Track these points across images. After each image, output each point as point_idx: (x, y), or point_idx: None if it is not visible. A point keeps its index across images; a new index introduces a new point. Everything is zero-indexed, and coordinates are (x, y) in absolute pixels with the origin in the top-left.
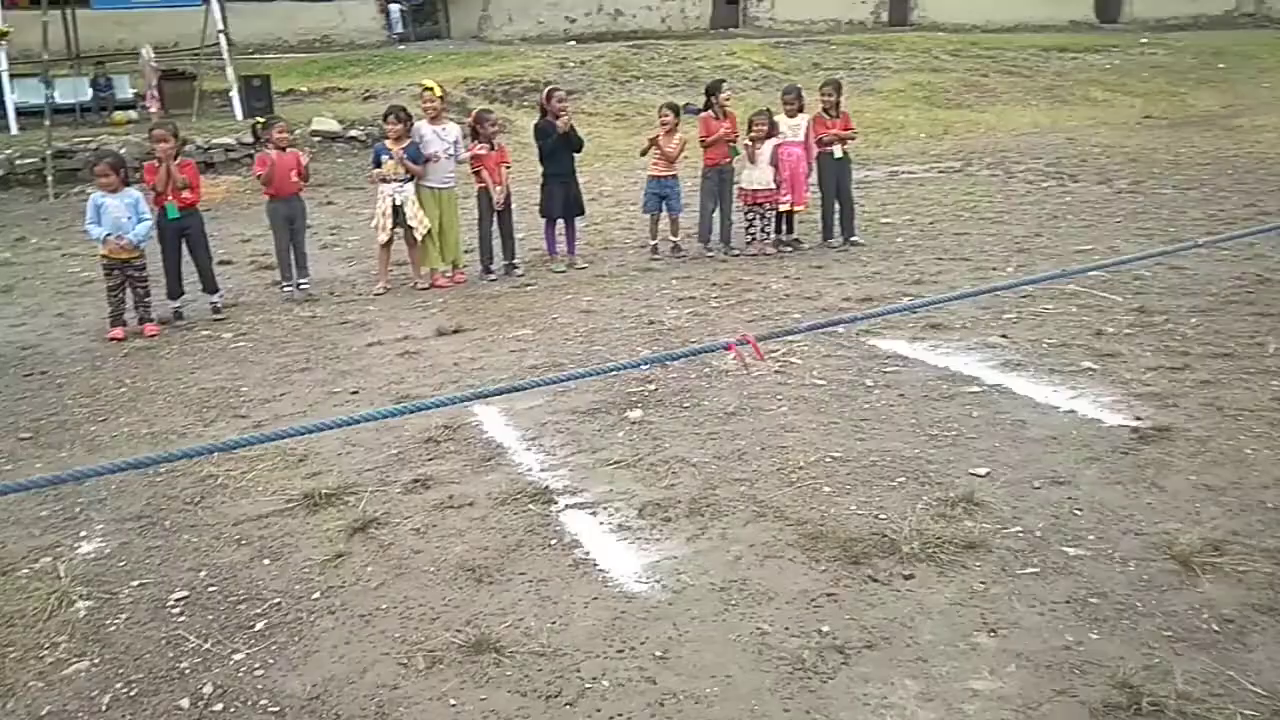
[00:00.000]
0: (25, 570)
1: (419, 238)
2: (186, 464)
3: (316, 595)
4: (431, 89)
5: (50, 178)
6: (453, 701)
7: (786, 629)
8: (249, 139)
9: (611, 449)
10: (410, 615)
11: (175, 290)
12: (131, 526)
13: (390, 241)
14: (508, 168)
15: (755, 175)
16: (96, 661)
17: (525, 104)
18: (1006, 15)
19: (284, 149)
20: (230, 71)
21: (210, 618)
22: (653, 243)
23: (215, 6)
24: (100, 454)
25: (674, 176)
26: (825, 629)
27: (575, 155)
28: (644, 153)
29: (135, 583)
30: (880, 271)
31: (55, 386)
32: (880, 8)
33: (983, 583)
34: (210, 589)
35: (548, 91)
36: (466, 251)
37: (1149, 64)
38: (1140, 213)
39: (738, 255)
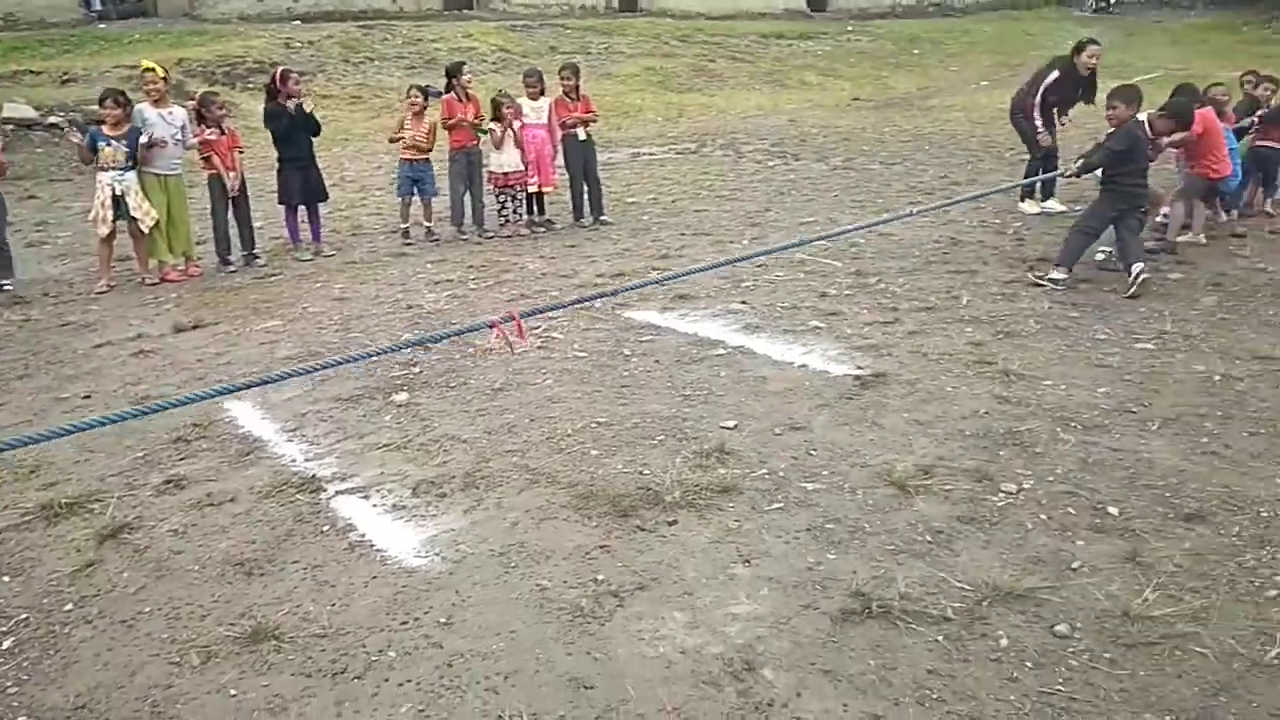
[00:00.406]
0: None
1: (145, 229)
2: None
3: (69, 606)
4: (153, 70)
5: None
6: (233, 692)
7: (565, 582)
8: None
9: (379, 433)
10: (178, 615)
11: None
12: None
13: (113, 235)
14: (240, 152)
15: (503, 158)
16: None
17: (250, 86)
18: (727, 4)
19: None
20: None
21: None
22: (404, 226)
23: None
24: None
25: (426, 160)
26: (600, 578)
27: (313, 139)
28: (393, 140)
29: None
30: (630, 248)
31: None
32: None
33: (736, 521)
34: None
35: (280, 73)
36: (199, 243)
37: (855, 50)
38: (853, 186)
39: (492, 237)
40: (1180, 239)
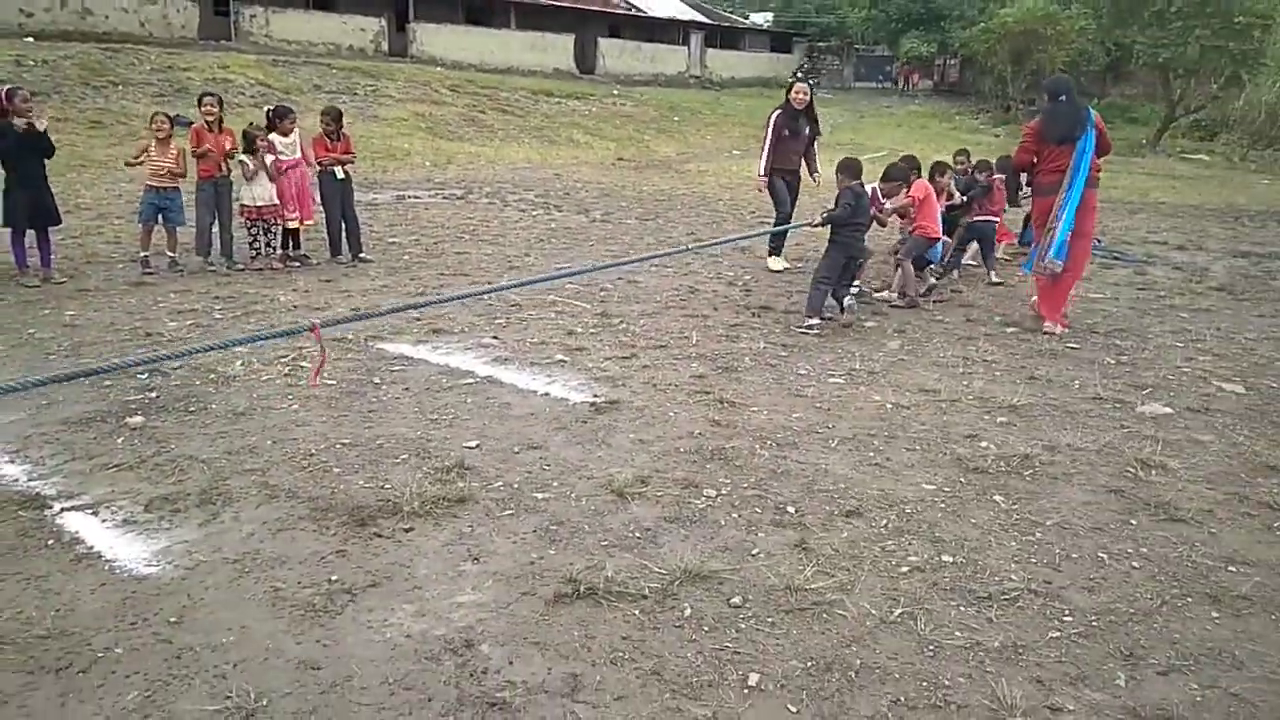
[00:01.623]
0: None
1: None
2: None
3: None
4: None
5: None
6: None
7: (299, 583)
8: None
9: (111, 454)
10: None
11: None
12: None
13: None
14: None
15: (256, 190)
16: None
17: None
18: (499, 58)
19: None
20: None
21: None
22: (144, 255)
23: None
24: None
25: (175, 189)
26: (334, 578)
27: (45, 161)
28: (130, 163)
29: None
30: (388, 285)
31: None
32: (380, 37)
33: (470, 526)
34: None
35: (7, 91)
36: None
37: (620, 113)
38: (609, 238)
39: (242, 269)
40: (879, 295)
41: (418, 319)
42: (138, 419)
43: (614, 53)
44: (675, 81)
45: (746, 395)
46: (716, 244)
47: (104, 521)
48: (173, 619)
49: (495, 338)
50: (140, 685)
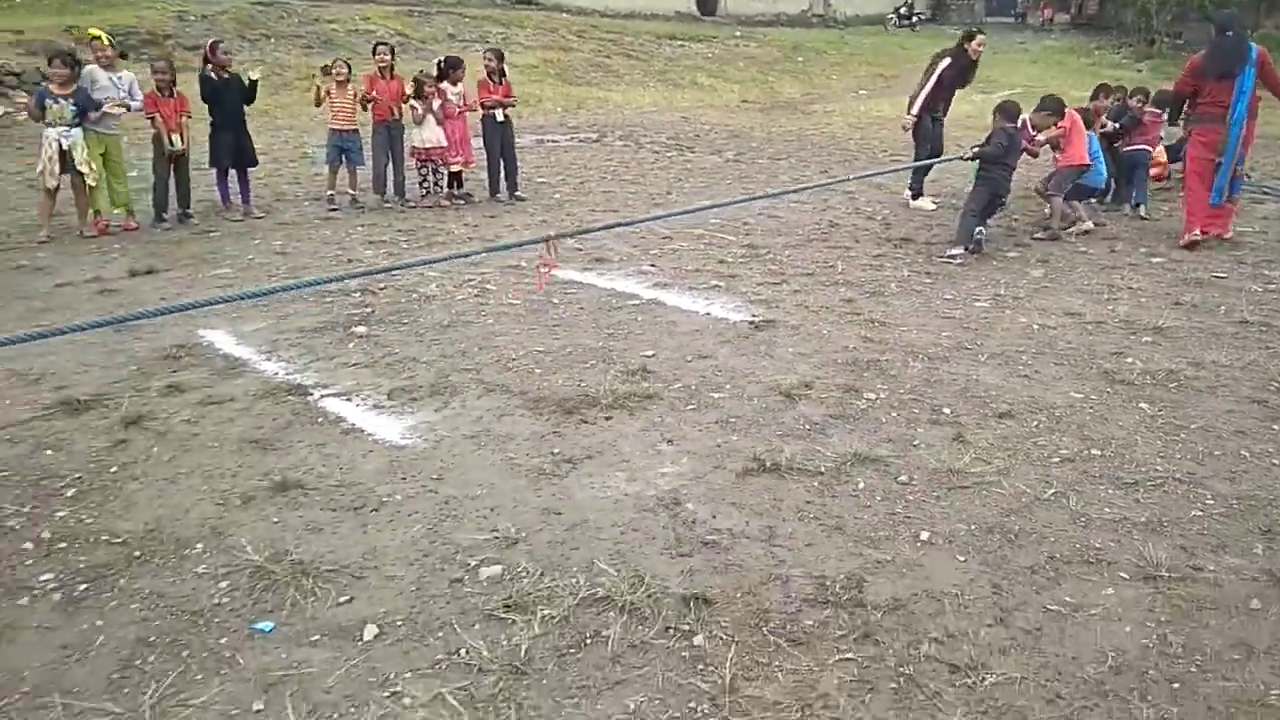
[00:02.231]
0: None
1: (91, 183)
2: None
3: (114, 469)
4: (99, 38)
5: None
6: (275, 520)
7: (528, 455)
8: None
9: (347, 355)
10: (211, 474)
11: None
12: None
13: (57, 188)
14: (188, 116)
15: (425, 134)
16: None
17: (143, 57)
18: (622, 3)
19: None
20: None
21: (16, 493)
22: (330, 193)
23: None
24: None
25: (355, 131)
26: (555, 451)
27: (245, 106)
28: (318, 103)
29: None
30: (546, 220)
31: None
32: None
33: (659, 417)
34: (2, 474)
35: (211, 44)
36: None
37: (743, 55)
38: (744, 177)
39: (414, 206)
40: (1071, 231)
41: (579, 249)
42: (361, 329)
43: None
44: (798, 21)
45: (895, 316)
46: (874, 174)
47: (357, 405)
48: (434, 477)
49: (653, 265)
50: (422, 521)
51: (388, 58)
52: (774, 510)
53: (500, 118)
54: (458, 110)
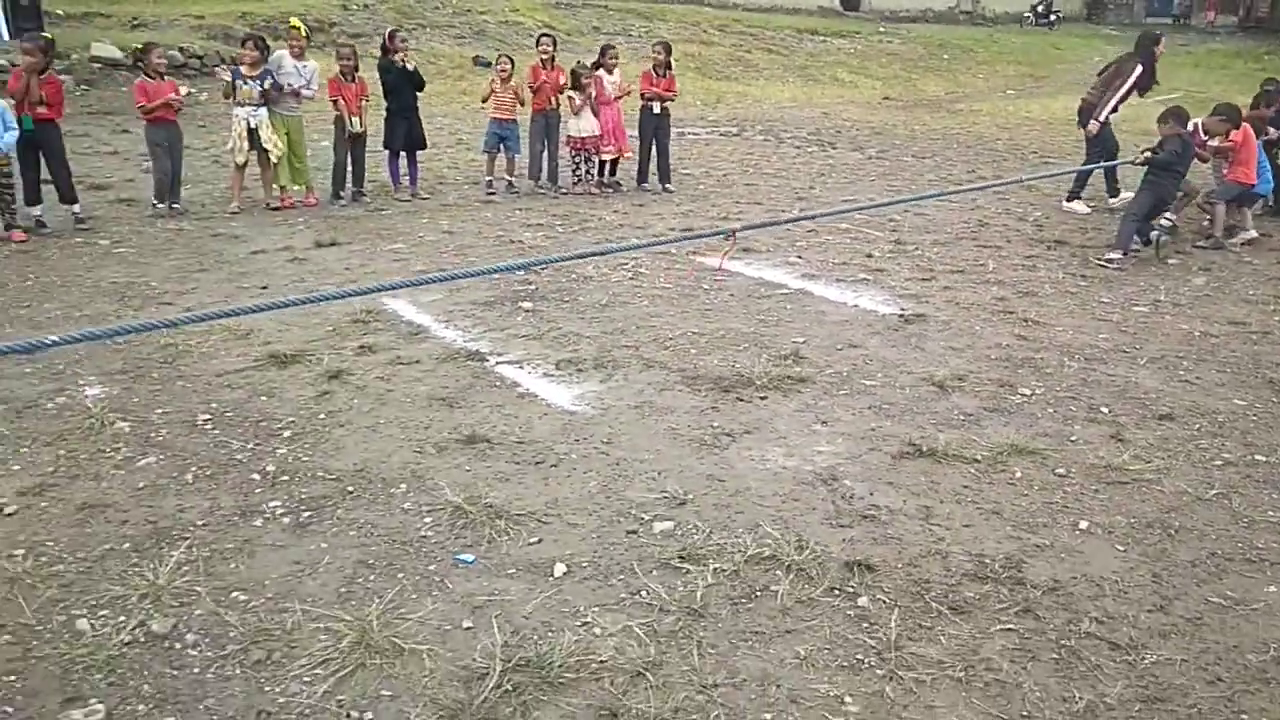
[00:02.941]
0: (49, 405)
1: (274, 159)
2: (143, 335)
3: (322, 416)
4: (297, 28)
5: None
6: (467, 469)
7: (689, 426)
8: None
9: (516, 328)
10: (406, 425)
11: (33, 198)
12: (122, 378)
13: (246, 163)
14: (366, 100)
15: (581, 123)
16: (161, 458)
17: (310, 44)
18: None
19: (161, 76)
20: None
21: (240, 431)
22: (488, 178)
23: None
24: (46, 331)
25: (514, 121)
26: (715, 424)
27: (418, 93)
28: (485, 100)
29: (159, 410)
30: (693, 210)
31: None
32: None
33: (813, 400)
34: (228, 414)
35: (390, 32)
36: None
37: (886, 51)
38: (888, 174)
39: (566, 193)
40: (1234, 241)
41: (725, 253)
42: (527, 304)
43: None
44: (944, 18)
45: (1049, 316)
46: (1047, 176)
47: (529, 373)
48: (604, 440)
49: (799, 257)
50: (597, 479)
51: (550, 49)
52: (930, 492)
53: (657, 110)
54: (613, 98)
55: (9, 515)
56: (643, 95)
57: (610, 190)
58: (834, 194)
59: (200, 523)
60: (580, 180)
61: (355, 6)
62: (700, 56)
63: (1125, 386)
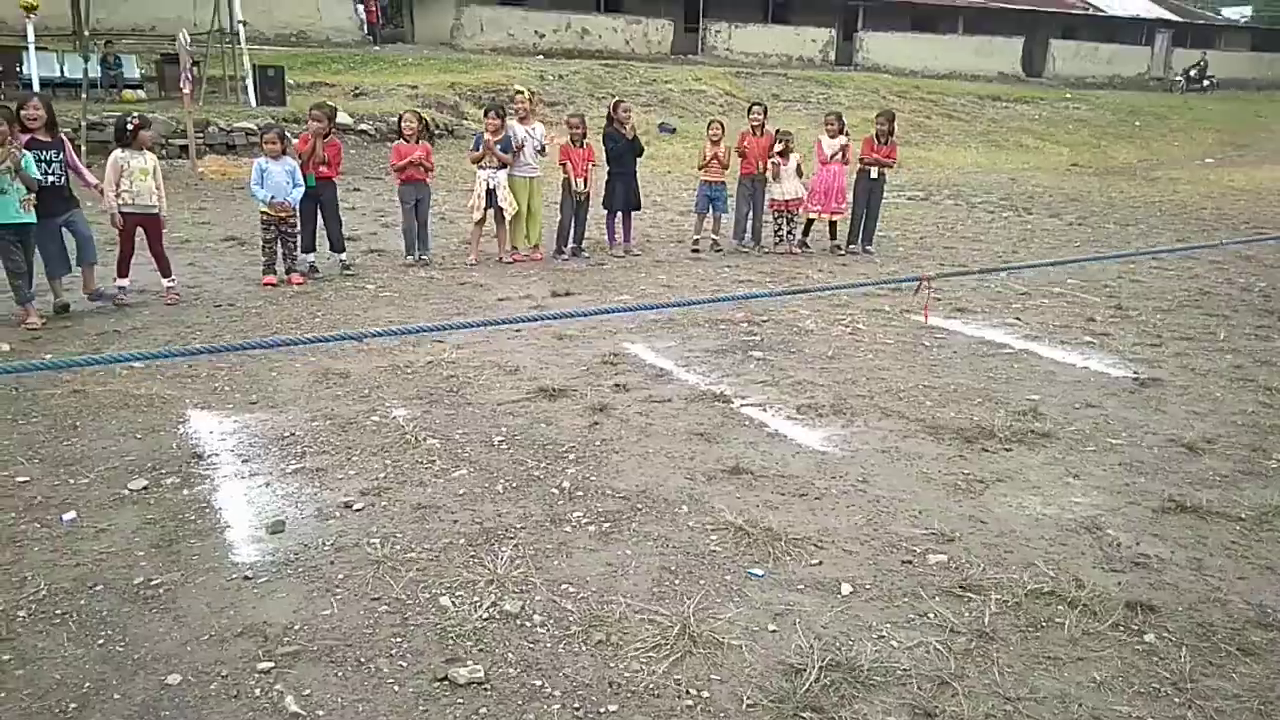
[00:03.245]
0: (368, 422)
1: (508, 218)
2: (429, 365)
3: (598, 443)
4: (522, 92)
5: (84, 148)
6: (736, 495)
7: (940, 471)
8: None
9: (751, 374)
10: (673, 455)
11: (309, 246)
12: (419, 403)
13: (483, 220)
14: (594, 165)
15: (785, 186)
16: (472, 470)
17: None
18: (942, 63)
19: (417, 140)
20: (246, 60)
21: (532, 452)
22: (696, 236)
23: None
24: (345, 362)
25: (723, 183)
26: (966, 471)
27: (637, 158)
28: (701, 167)
29: (459, 431)
30: (895, 270)
31: (253, 315)
32: (829, 47)
33: (1060, 454)
34: (517, 437)
35: (615, 103)
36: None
37: (1073, 117)
38: (1093, 240)
39: (767, 252)
40: None
41: (939, 298)
42: (757, 354)
43: (1066, 54)
44: (1133, 83)
45: None
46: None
47: (773, 415)
48: (860, 479)
49: (1017, 319)
50: (860, 513)
51: (760, 117)
52: (1199, 545)
53: (874, 175)
54: (831, 159)
55: (358, 511)
56: (862, 160)
57: (809, 250)
58: (1039, 257)
59: (519, 525)
60: (781, 240)
61: (551, 77)
62: None
63: None
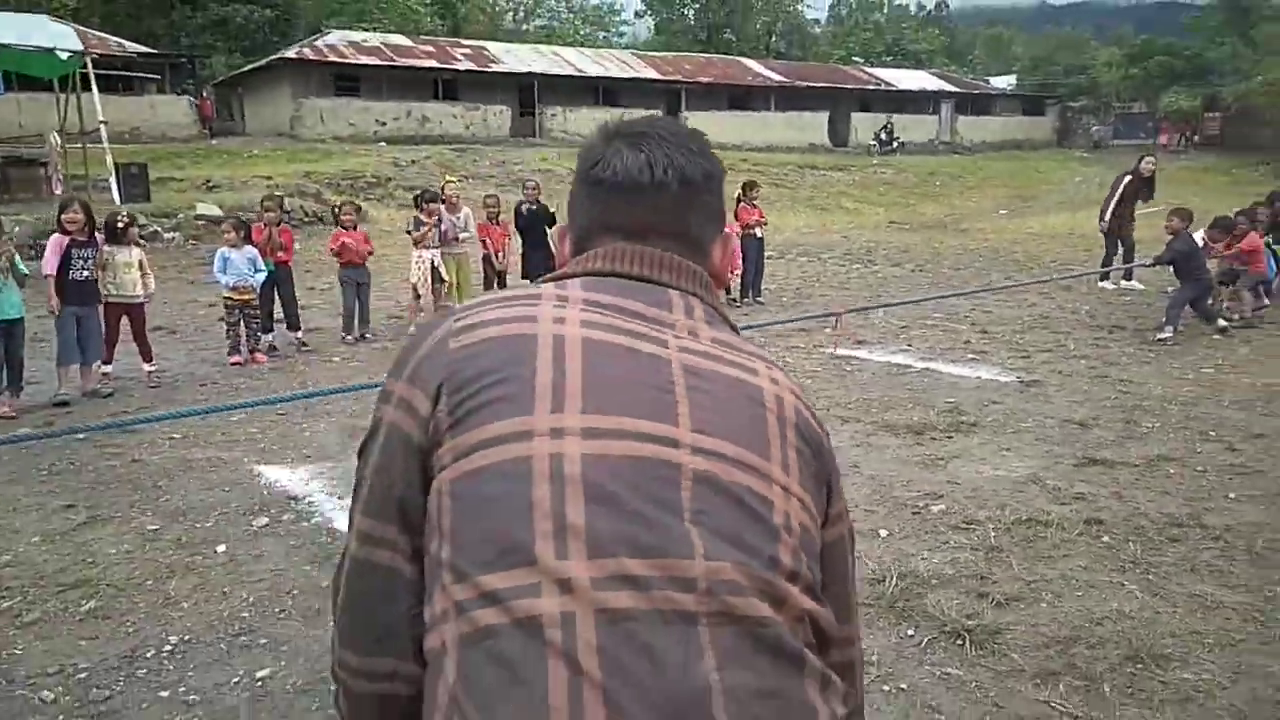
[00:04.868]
0: None
1: (447, 289)
2: None
3: None
4: (453, 180)
5: None
6: None
7: (908, 455)
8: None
9: None
10: None
11: (268, 327)
12: None
13: (425, 293)
14: (509, 239)
15: None
16: None
17: (371, 196)
18: (760, 137)
19: (354, 227)
20: (109, 159)
21: None
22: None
23: (96, 97)
24: (361, 417)
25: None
26: (927, 453)
27: (548, 227)
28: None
29: None
30: (795, 312)
31: (243, 390)
32: None
33: (989, 436)
34: None
35: (524, 182)
36: None
37: (881, 180)
38: (939, 282)
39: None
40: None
41: (839, 334)
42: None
43: (864, 125)
44: (924, 148)
45: (1138, 377)
46: (1077, 276)
47: None
48: (852, 466)
49: (909, 345)
50: (865, 487)
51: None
52: (1114, 483)
53: (759, 234)
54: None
55: None
56: (744, 225)
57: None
58: (906, 296)
59: None
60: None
61: (405, 162)
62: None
63: (1221, 419)
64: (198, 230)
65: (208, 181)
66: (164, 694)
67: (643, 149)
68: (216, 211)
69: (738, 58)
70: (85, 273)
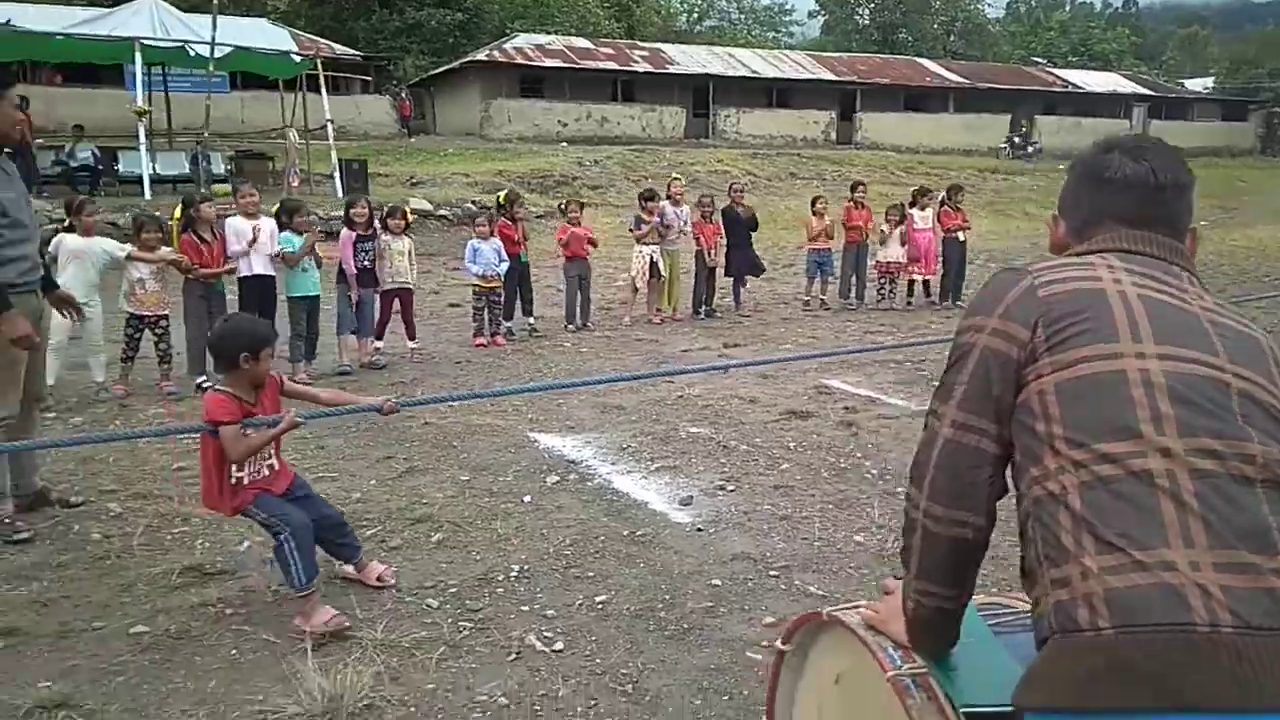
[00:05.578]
0: (680, 437)
1: (659, 284)
2: (680, 400)
3: (868, 445)
4: (678, 179)
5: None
6: None
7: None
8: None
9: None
10: None
11: (509, 314)
12: (704, 424)
13: (640, 288)
14: (721, 238)
15: (887, 251)
16: (791, 465)
17: (556, 195)
18: (935, 140)
19: (579, 223)
20: (334, 155)
21: (824, 452)
22: (805, 299)
23: (325, 98)
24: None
25: (829, 250)
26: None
27: (751, 231)
28: (811, 238)
29: (755, 440)
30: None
31: (497, 367)
32: (830, 128)
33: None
34: (804, 442)
35: (730, 186)
36: None
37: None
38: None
39: (871, 310)
40: None
41: None
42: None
43: (1050, 129)
44: None
45: None
46: None
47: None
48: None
49: None
50: None
51: (863, 194)
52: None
53: (961, 238)
54: (923, 230)
55: (731, 491)
56: (947, 229)
57: (910, 308)
58: None
59: (863, 498)
60: (883, 298)
61: (589, 163)
62: (892, 195)
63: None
64: (412, 224)
65: (411, 178)
66: (524, 609)
67: (1144, 159)
68: (427, 207)
69: (913, 58)
70: (367, 261)
